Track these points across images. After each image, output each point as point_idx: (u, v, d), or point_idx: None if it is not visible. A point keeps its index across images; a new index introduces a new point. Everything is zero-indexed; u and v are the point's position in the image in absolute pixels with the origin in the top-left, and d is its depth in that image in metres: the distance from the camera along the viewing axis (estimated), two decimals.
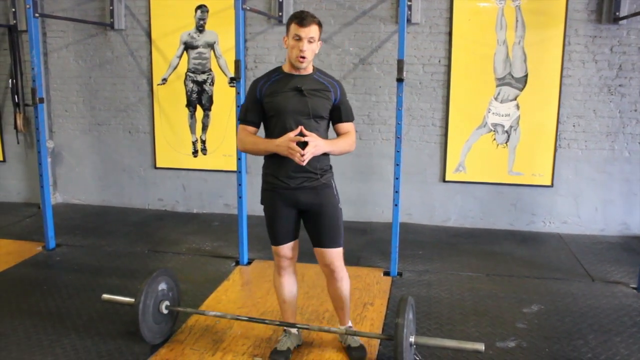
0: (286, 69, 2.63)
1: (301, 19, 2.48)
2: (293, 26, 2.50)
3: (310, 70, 2.64)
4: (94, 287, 3.75)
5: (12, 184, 6.15)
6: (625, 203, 5.02)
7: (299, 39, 2.49)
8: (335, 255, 2.73)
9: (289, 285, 2.87)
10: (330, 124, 2.74)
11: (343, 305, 2.89)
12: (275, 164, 2.63)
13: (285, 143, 2.48)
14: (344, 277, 2.82)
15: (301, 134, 2.49)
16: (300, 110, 2.56)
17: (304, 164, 2.48)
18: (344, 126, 2.70)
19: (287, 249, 2.77)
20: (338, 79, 2.73)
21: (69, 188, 6.08)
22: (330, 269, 2.76)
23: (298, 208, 2.69)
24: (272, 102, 2.59)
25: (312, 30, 2.49)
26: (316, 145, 2.49)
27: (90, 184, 6.01)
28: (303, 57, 2.51)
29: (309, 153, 2.45)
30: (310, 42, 2.51)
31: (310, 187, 2.64)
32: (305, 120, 2.55)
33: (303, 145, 2.47)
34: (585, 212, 5.09)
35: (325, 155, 2.66)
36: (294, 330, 2.95)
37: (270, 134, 2.64)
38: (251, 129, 2.68)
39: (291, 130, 2.51)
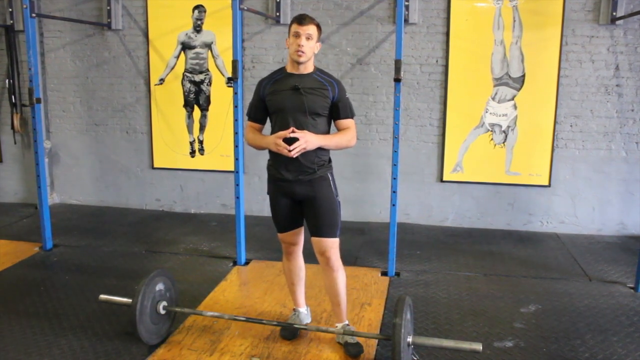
0: (288, 69, 2.80)
1: (300, 18, 2.69)
2: (293, 25, 2.70)
3: (310, 70, 2.79)
4: (92, 287, 3.74)
5: (9, 184, 6.13)
6: (623, 203, 5.03)
7: (297, 35, 2.67)
8: (330, 244, 2.82)
9: (296, 269, 3.06)
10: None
11: (339, 300, 2.92)
12: (276, 157, 2.80)
13: (272, 140, 2.68)
14: (339, 268, 2.88)
15: (291, 137, 2.64)
16: (297, 107, 2.71)
17: (293, 156, 2.64)
18: (343, 123, 2.83)
19: (289, 236, 2.95)
20: (337, 78, 2.87)
21: (66, 188, 6.06)
22: (325, 257, 2.84)
23: (296, 199, 2.83)
24: (272, 100, 2.77)
25: (310, 29, 2.68)
26: (307, 141, 2.64)
27: (88, 184, 6.00)
28: (301, 52, 2.67)
29: (298, 149, 2.62)
30: (308, 38, 2.68)
31: (306, 180, 2.77)
32: (302, 118, 2.71)
33: (293, 140, 2.62)
34: (582, 212, 5.10)
35: (324, 150, 2.79)
36: (302, 309, 3.14)
37: (273, 130, 2.80)
38: (256, 125, 2.90)
39: (289, 126, 2.68)
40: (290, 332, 3.05)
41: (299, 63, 2.71)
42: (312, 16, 2.73)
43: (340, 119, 2.81)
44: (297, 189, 2.78)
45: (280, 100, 2.73)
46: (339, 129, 2.83)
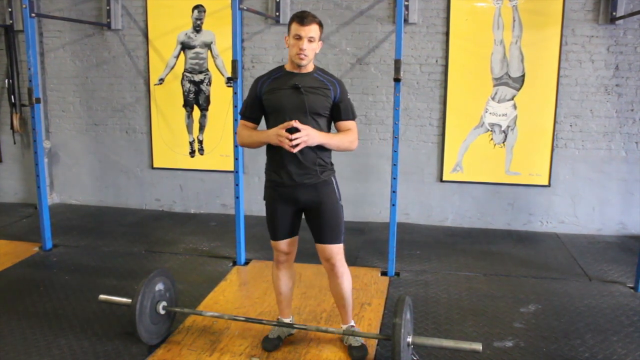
0: (287, 67, 2.71)
1: (302, 18, 2.56)
2: (294, 25, 2.57)
3: (310, 69, 2.70)
4: (91, 287, 3.74)
5: (8, 184, 6.13)
6: (622, 203, 5.03)
7: (299, 37, 2.56)
8: (335, 250, 2.78)
9: (285, 278, 2.96)
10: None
11: (344, 303, 2.91)
12: (276, 161, 2.70)
13: (274, 132, 2.57)
14: (345, 273, 2.85)
15: (294, 127, 2.53)
16: (297, 107, 2.61)
17: (295, 151, 2.54)
18: (344, 124, 2.74)
19: (284, 245, 2.84)
20: (339, 78, 2.78)
21: (65, 188, 6.06)
22: (330, 264, 2.81)
23: (298, 206, 2.75)
24: (270, 99, 2.67)
25: (312, 30, 2.56)
26: (308, 134, 2.54)
27: (87, 184, 6.00)
28: (304, 55, 2.58)
29: (300, 140, 2.51)
30: (310, 41, 2.57)
31: (310, 184, 2.69)
32: (302, 118, 2.59)
33: (294, 132, 2.52)
34: (582, 212, 5.10)
35: (325, 151, 2.71)
36: (287, 320, 3.02)
37: None
38: (250, 124, 2.78)
39: None
40: (272, 343, 2.93)
41: (299, 66, 2.63)
42: (313, 14, 2.60)
43: (342, 120, 2.72)
44: (300, 194, 2.69)
45: (278, 99, 2.63)
46: (339, 131, 2.74)
